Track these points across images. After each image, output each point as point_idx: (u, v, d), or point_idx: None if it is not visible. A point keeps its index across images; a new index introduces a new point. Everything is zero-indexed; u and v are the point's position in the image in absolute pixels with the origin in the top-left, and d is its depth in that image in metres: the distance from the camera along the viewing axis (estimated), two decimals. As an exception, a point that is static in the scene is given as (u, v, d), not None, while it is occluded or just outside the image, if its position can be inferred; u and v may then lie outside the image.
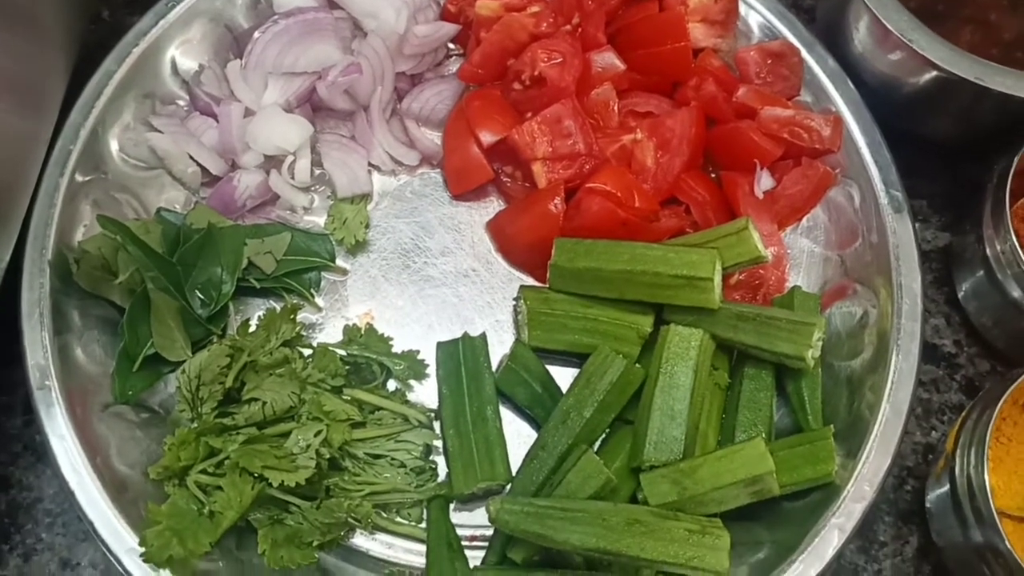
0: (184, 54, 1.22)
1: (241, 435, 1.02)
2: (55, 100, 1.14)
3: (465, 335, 1.14)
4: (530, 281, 1.21)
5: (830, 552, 1.00)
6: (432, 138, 1.26)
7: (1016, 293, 1.11)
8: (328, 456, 1.03)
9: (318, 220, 1.22)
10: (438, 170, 1.26)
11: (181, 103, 1.24)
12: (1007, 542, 0.96)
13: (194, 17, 1.22)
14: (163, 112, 1.20)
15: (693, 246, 1.11)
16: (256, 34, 1.19)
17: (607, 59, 1.22)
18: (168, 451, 1.01)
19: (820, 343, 1.07)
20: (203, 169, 1.20)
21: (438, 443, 1.11)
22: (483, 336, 1.14)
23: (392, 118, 1.26)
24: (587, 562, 1.02)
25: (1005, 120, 1.15)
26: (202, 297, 1.11)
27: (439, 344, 1.14)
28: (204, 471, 1.02)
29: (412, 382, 1.15)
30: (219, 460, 1.02)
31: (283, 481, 0.99)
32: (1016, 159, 1.10)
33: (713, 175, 1.25)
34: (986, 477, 0.98)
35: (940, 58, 1.08)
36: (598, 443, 1.11)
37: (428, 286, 1.20)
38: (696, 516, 0.99)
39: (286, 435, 1.04)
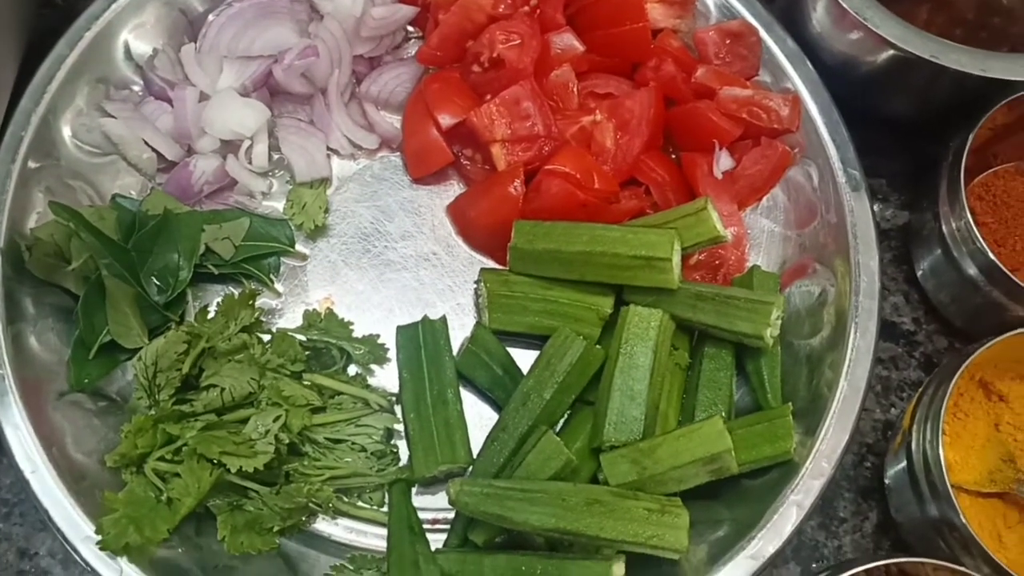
0: (138, 38, 1.20)
1: (199, 422, 1.02)
2: (5, 86, 1.13)
3: (425, 318, 1.14)
4: (491, 264, 1.20)
5: (788, 528, 1.00)
6: (391, 121, 1.25)
7: (972, 270, 1.11)
8: (287, 441, 1.02)
9: (277, 205, 1.21)
10: (398, 154, 1.25)
11: (136, 88, 1.22)
12: (962, 516, 0.97)
13: (147, 1, 1.19)
14: (116, 97, 1.18)
15: (652, 227, 1.11)
16: (210, 17, 1.18)
17: (566, 40, 1.22)
18: (125, 438, 1.00)
19: (779, 322, 1.07)
20: (159, 155, 1.18)
21: (400, 427, 1.10)
22: (443, 319, 1.14)
23: (351, 102, 1.25)
24: (548, 543, 1.02)
25: (962, 98, 1.16)
26: (158, 283, 1.10)
27: (399, 328, 1.14)
28: (162, 458, 1.01)
29: (373, 367, 1.15)
30: (177, 447, 1.01)
31: (241, 467, 0.98)
32: (971, 137, 1.10)
33: (673, 156, 1.25)
34: (941, 452, 0.99)
35: (895, 36, 1.08)
36: (559, 425, 1.11)
37: (388, 270, 1.20)
38: (655, 495, 1.00)
39: (245, 421, 1.03)
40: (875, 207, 1.27)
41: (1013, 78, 1.07)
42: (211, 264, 1.14)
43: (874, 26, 1.09)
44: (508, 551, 1.02)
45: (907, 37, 1.08)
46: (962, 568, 0.94)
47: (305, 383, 1.08)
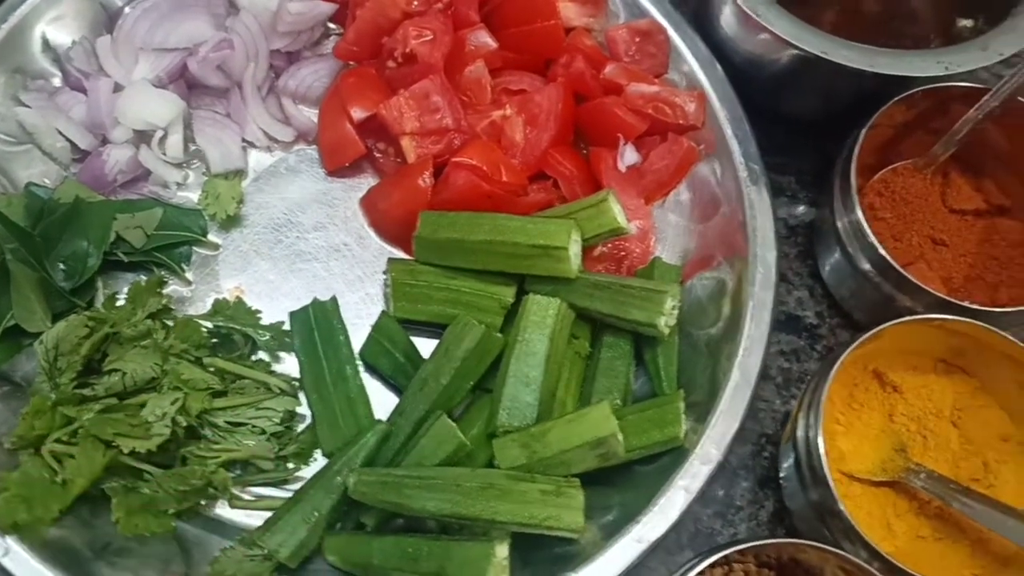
0: (56, 30, 1.23)
1: (99, 405, 1.03)
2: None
3: (315, 300, 1.16)
4: (402, 256, 1.22)
5: (675, 512, 1.02)
6: (309, 115, 1.28)
7: (866, 265, 1.13)
8: (185, 424, 1.04)
9: (192, 196, 1.23)
10: (314, 147, 1.28)
11: (55, 80, 1.24)
12: (840, 503, 0.98)
13: (65, -7, 1.22)
14: (32, 87, 1.20)
15: (554, 218, 1.13)
16: (126, 9, 1.20)
17: (480, 37, 1.25)
18: (23, 420, 1.02)
19: (675, 312, 1.09)
20: (74, 145, 1.20)
21: (307, 412, 1.12)
22: (333, 299, 1.16)
23: (269, 95, 1.27)
24: (440, 526, 1.04)
25: (863, 97, 1.18)
26: (65, 270, 1.12)
27: (291, 314, 1.16)
28: (59, 440, 1.02)
29: (282, 354, 1.16)
30: (74, 429, 1.02)
31: (134, 448, 1.00)
32: (861, 134, 1.13)
33: (585, 151, 1.27)
34: (821, 439, 1.00)
35: (787, 33, 1.11)
36: (460, 412, 1.12)
37: (299, 260, 1.21)
38: (553, 477, 1.01)
39: (145, 405, 1.05)
40: (784, 204, 1.31)
41: (898, 73, 1.09)
42: (121, 252, 1.16)
43: (767, 23, 1.11)
44: (397, 534, 1.03)
45: (798, 34, 1.11)
46: (831, 550, 0.95)
47: (209, 368, 1.09)
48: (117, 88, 1.19)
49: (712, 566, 1.02)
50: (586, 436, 1.01)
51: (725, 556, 1.02)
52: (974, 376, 1.13)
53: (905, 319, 1.05)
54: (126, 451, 1.00)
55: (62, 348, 1.05)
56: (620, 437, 1.01)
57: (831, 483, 0.99)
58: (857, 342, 1.04)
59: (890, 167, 1.23)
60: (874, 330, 1.04)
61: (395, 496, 1.00)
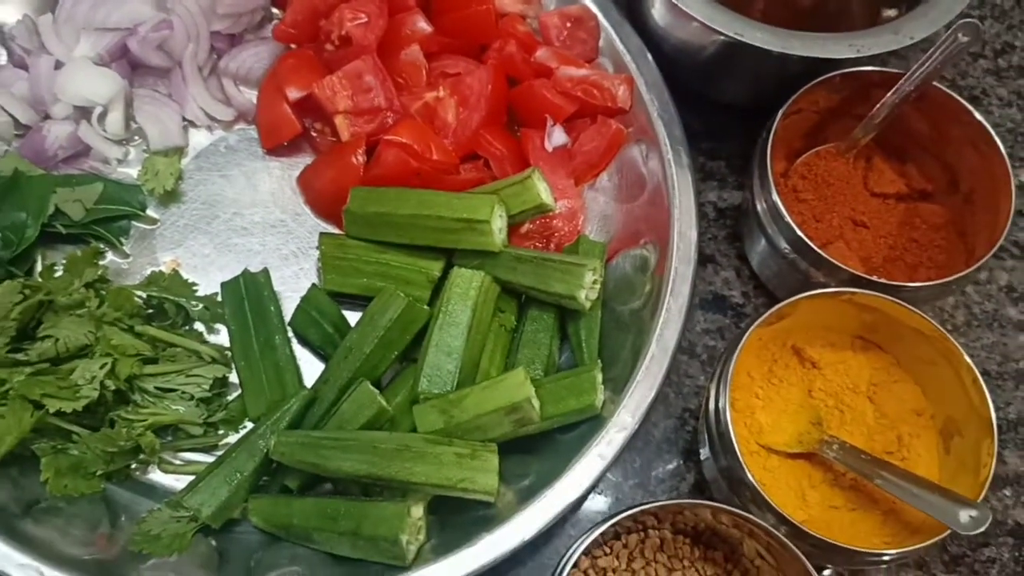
0: (3, 8, 1.26)
1: (30, 368, 1.06)
2: None
3: (245, 271, 1.18)
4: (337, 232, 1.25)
5: (590, 478, 1.04)
6: (249, 96, 1.31)
7: (784, 245, 1.16)
8: (114, 388, 1.06)
9: (132, 172, 1.26)
10: (254, 126, 1.31)
11: (1, 60, 1.27)
12: (746, 470, 1.01)
13: (10, -28, 1.25)
14: (-26, 65, 1.24)
15: (479, 194, 1.16)
16: (67, -12, 1.23)
17: (416, 22, 1.28)
18: (-48, 381, 1.04)
19: (596, 285, 1.12)
20: (16, 120, 1.23)
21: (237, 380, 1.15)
22: (265, 271, 1.19)
23: (211, 76, 1.30)
24: (363, 490, 1.06)
25: (788, 81, 1.21)
26: (3, 239, 1.15)
27: (222, 284, 1.18)
28: (-11, 402, 1.05)
29: (219, 327, 1.19)
30: (4, 391, 1.04)
31: (61, 408, 1.02)
32: (777, 117, 1.16)
33: (518, 133, 1.30)
34: (728, 410, 1.02)
35: (703, 15, 1.14)
36: (386, 381, 1.15)
37: (235, 236, 1.24)
38: (469, 441, 1.04)
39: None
40: (715, 188, 1.34)
41: (811, 55, 1.13)
42: (60, 224, 1.19)
43: (684, 5, 1.14)
44: (317, 496, 1.06)
45: (714, 16, 1.14)
46: (733, 510, 0.98)
47: (141, 336, 1.12)
48: (58, 65, 1.22)
49: (628, 532, 1.06)
50: (501, 401, 1.03)
51: (643, 524, 1.06)
52: (889, 352, 1.16)
53: (815, 292, 1.08)
54: (53, 411, 1.02)
55: (-5, 314, 1.07)
56: (535, 403, 1.04)
57: (738, 450, 1.01)
58: (767, 314, 1.07)
59: (813, 150, 1.26)
60: (784, 302, 1.07)
61: (313, 457, 1.03)
